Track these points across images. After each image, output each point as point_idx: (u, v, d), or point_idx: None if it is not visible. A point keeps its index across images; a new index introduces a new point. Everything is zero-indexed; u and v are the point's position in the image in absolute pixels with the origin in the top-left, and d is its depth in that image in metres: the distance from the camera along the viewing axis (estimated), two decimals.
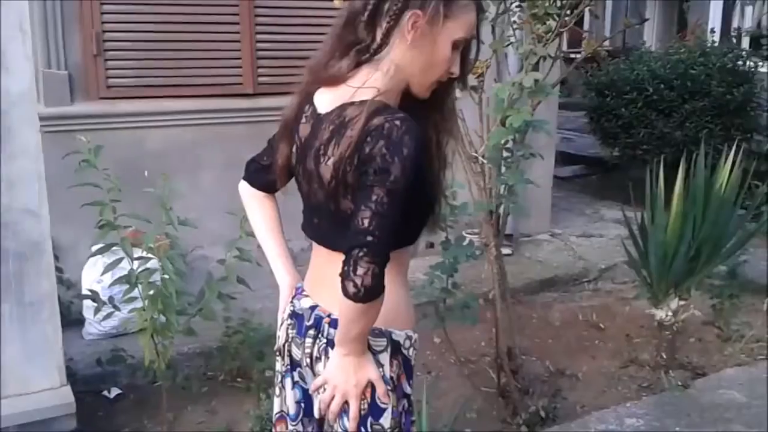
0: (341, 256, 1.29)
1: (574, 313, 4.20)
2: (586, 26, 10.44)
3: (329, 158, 1.37)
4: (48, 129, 3.22)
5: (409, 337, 1.48)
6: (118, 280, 2.72)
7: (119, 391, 3.25)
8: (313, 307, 1.50)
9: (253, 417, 2.84)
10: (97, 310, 2.83)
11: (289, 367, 1.57)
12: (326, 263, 1.44)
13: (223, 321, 3.19)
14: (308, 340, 1.49)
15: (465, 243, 2.84)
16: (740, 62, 5.99)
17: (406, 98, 1.45)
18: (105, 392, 3.23)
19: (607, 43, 10.19)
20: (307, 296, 1.54)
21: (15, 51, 2.37)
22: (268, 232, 1.68)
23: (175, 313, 2.59)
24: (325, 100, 1.44)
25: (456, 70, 1.42)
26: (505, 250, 4.69)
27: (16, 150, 2.41)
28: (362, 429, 1.43)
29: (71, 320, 3.44)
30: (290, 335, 1.56)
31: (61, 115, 3.66)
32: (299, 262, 1.69)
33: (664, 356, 3.46)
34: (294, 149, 1.50)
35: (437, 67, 1.41)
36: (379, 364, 1.44)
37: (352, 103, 1.37)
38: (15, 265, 2.46)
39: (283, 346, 1.58)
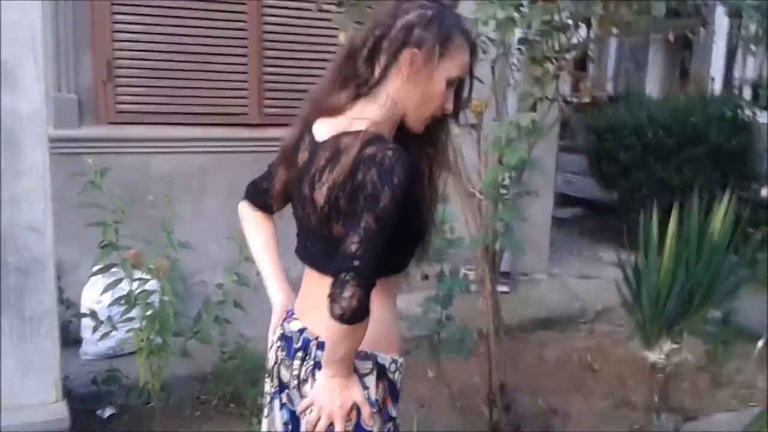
0: (327, 279, 1.34)
1: (569, 353, 4.20)
2: (590, 71, 10.61)
3: (324, 184, 1.43)
4: (56, 151, 3.28)
5: (394, 361, 1.52)
6: (117, 300, 2.77)
7: (113, 411, 3.26)
8: (301, 330, 1.54)
9: None
10: (95, 329, 2.87)
11: (277, 388, 1.60)
12: (316, 286, 1.48)
13: (219, 346, 3.23)
14: (296, 362, 1.53)
15: (460, 276, 2.88)
16: (739, 111, 6.09)
17: (401, 132, 1.51)
18: (99, 411, 3.24)
19: (609, 89, 10.37)
20: (296, 319, 1.58)
21: (26, 71, 2.44)
22: (264, 250, 1.73)
23: (171, 335, 2.62)
24: (323, 130, 1.50)
25: (449, 106, 1.49)
26: (503, 288, 4.73)
27: (24, 168, 2.47)
28: None
29: (69, 340, 3.47)
30: (279, 357, 1.59)
31: (70, 137, 3.74)
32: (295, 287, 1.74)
33: (656, 399, 3.48)
34: (292, 175, 1.55)
35: (432, 102, 1.47)
36: (365, 387, 1.47)
37: (347, 133, 1.43)
38: (16, 280, 2.51)
39: (273, 368, 1.62)
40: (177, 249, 2.62)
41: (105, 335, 2.93)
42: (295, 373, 1.53)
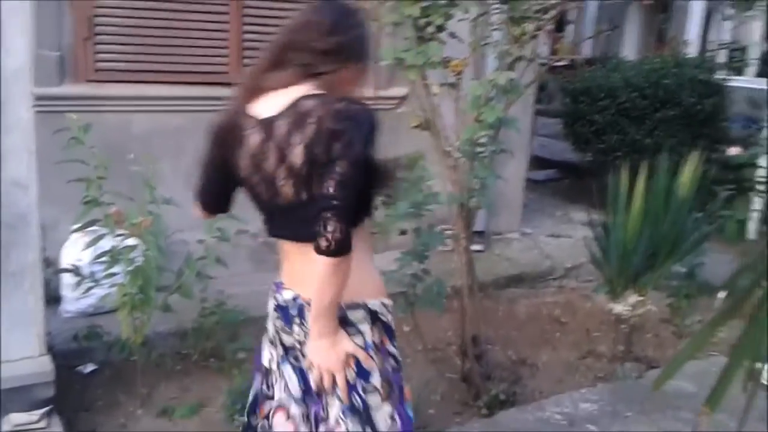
0: (310, 247, 1.45)
1: (538, 308, 4.36)
2: (569, 34, 10.64)
3: (295, 146, 1.51)
4: (36, 109, 3.30)
5: (384, 304, 1.65)
6: (99, 256, 2.83)
7: (94, 367, 3.33)
8: (295, 298, 1.65)
9: (226, 391, 2.95)
10: (78, 285, 2.93)
11: (283, 354, 1.71)
12: (299, 256, 1.59)
13: (200, 302, 3.30)
14: (295, 327, 1.65)
15: (436, 231, 2.98)
16: (712, 74, 6.20)
17: None
18: (80, 367, 3.31)
19: (588, 52, 10.42)
20: (288, 289, 1.68)
21: (13, 28, 2.45)
22: None
23: (154, 289, 2.69)
24: (267, 107, 1.57)
25: None
26: (477, 247, 4.84)
27: (9, 124, 2.49)
28: (354, 393, 1.60)
29: (49, 298, 3.49)
30: (278, 326, 1.71)
31: (50, 95, 3.72)
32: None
33: (621, 349, 3.63)
34: (243, 163, 1.61)
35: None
36: (360, 333, 1.60)
37: (306, 97, 1.54)
38: (1, 235, 2.55)
39: (274, 336, 1.73)
40: (160, 205, 2.67)
41: (87, 291, 2.98)
42: (297, 337, 1.65)
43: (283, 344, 1.70)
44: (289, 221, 1.60)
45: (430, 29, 2.96)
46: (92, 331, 3.15)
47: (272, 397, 1.75)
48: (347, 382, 1.59)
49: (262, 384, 1.79)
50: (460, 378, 3.35)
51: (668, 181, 3.40)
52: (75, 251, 3.45)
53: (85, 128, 2.66)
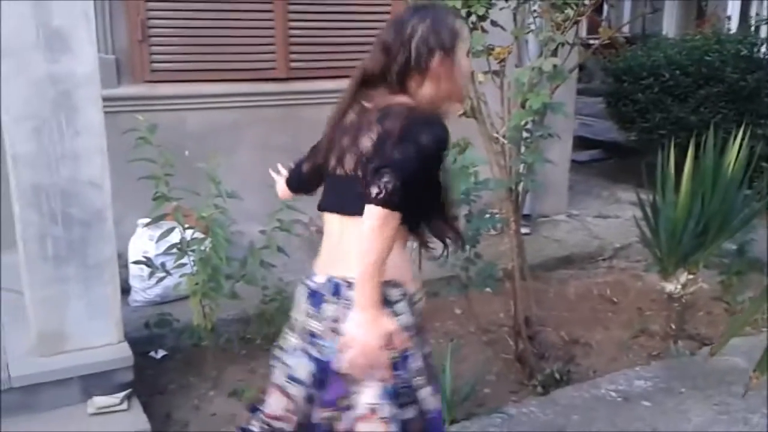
0: (355, 222, 1.55)
1: (589, 289, 4.41)
2: (607, 13, 10.53)
3: (373, 132, 1.62)
4: None
5: (417, 293, 1.75)
6: (169, 248, 2.99)
7: (165, 353, 3.50)
8: (329, 279, 1.69)
9: None
10: (149, 276, 3.09)
11: (300, 341, 1.75)
12: (339, 232, 1.69)
13: (261, 289, 3.45)
14: (330, 306, 1.67)
15: (486, 216, 3.07)
16: (755, 49, 6.12)
17: None
18: (152, 353, 3.48)
19: (626, 30, 10.32)
20: (320, 274, 1.73)
21: (80, 36, 2.61)
22: None
23: (223, 277, 2.84)
24: (372, 100, 1.70)
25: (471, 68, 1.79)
26: (524, 230, 4.89)
27: (81, 127, 2.66)
28: (395, 374, 1.64)
29: None
30: (309, 311, 1.73)
31: (108, 96, 3.86)
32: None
33: (673, 327, 3.67)
34: (332, 133, 1.73)
35: (465, 78, 1.75)
36: (398, 313, 1.65)
37: (399, 103, 1.65)
38: (79, 232, 2.72)
39: (300, 322, 1.77)
40: (225, 198, 2.81)
41: (159, 281, 3.15)
42: (331, 314, 1.66)
43: (308, 331, 1.72)
44: (342, 193, 1.70)
45: (473, 19, 3.04)
46: (163, 319, 3.32)
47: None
48: (389, 362, 1.61)
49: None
50: (514, 358, 3.44)
51: (716, 159, 3.43)
52: (141, 244, 3.64)
53: (152, 128, 2.81)
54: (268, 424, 1.82)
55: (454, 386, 2.97)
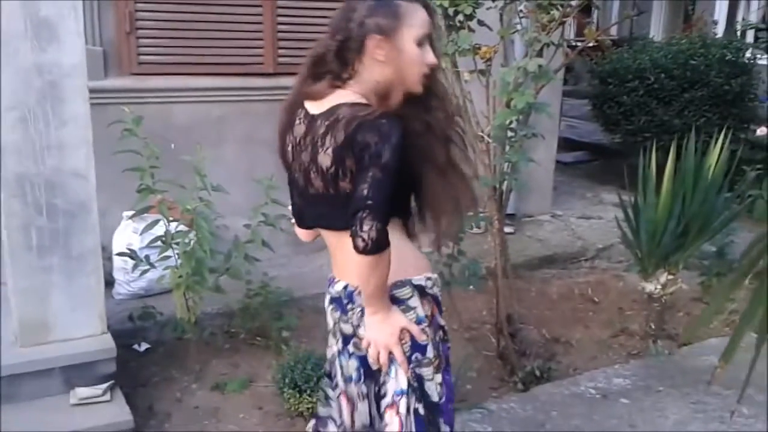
0: (346, 235, 1.54)
1: (571, 288, 4.45)
2: (594, 15, 10.60)
3: (328, 147, 1.62)
4: None
5: (429, 278, 1.74)
6: (153, 241, 2.99)
7: (148, 346, 3.50)
8: (345, 287, 1.76)
9: (274, 366, 3.11)
10: (134, 267, 3.09)
11: (342, 344, 1.81)
12: (338, 246, 1.70)
13: (245, 283, 3.46)
14: (350, 314, 1.75)
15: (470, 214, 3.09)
16: (740, 54, 6.20)
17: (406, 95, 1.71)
18: (135, 346, 3.48)
19: (614, 32, 10.39)
20: (338, 281, 1.79)
21: (68, 27, 2.61)
22: None
23: (207, 270, 2.85)
24: (315, 106, 1.69)
25: (431, 59, 1.69)
26: (508, 229, 4.93)
27: (67, 117, 2.66)
28: (410, 366, 1.69)
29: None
30: (336, 317, 1.81)
31: (96, 88, 3.86)
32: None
33: (653, 327, 3.72)
34: (290, 148, 1.74)
35: (414, 65, 1.67)
36: (410, 308, 1.69)
37: (343, 104, 1.63)
38: (63, 222, 2.72)
39: (334, 327, 1.84)
40: (210, 191, 2.82)
41: (143, 274, 3.15)
42: (353, 322, 1.74)
43: (343, 334, 1.80)
44: (323, 211, 1.71)
45: (460, 18, 3.07)
46: (146, 312, 3.32)
47: (335, 387, 1.86)
48: (405, 356, 1.68)
49: (329, 373, 1.90)
50: (496, 355, 3.48)
51: (697, 161, 3.48)
52: (126, 237, 3.64)
53: (138, 120, 2.81)
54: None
55: None
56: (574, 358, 3.59)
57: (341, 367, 1.82)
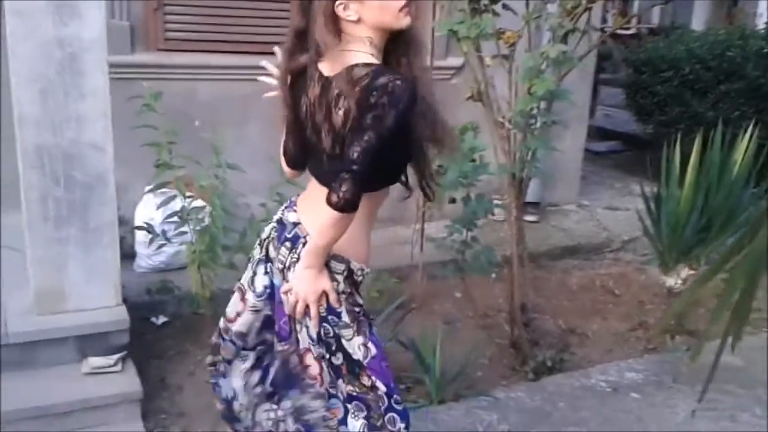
0: (324, 191, 1.64)
1: (592, 279, 4.39)
2: (634, 6, 10.38)
3: (340, 109, 1.67)
4: (110, 76, 3.50)
5: (362, 269, 1.85)
6: (170, 216, 3.02)
7: (166, 319, 3.56)
8: (295, 224, 1.84)
9: None
10: (151, 241, 3.13)
11: (264, 257, 1.93)
12: (317, 192, 1.76)
13: None
14: (283, 250, 1.84)
15: (485, 200, 3.06)
16: None
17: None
18: (153, 319, 3.55)
19: (655, 21, 10.15)
20: (295, 211, 1.87)
21: (89, 1, 2.63)
22: None
23: (220, 247, 2.87)
24: (331, 65, 1.71)
25: None
26: (532, 218, 4.90)
27: (86, 90, 2.68)
28: (324, 324, 1.80)
29: (123, 254, 3.73)
30: (272, 235, 1.91)
31: (122, 63, 3.92)
32: None
33: (671, 322, 3.66)
34: (303, 108, 1.78)
35: (382, 8, 1.68)
36: (335, 280, 1.80)
37: (356, 65, 1.66)
38: (81, 194, 2.76)
39: (264, 240, 1.94)
40: (225, 169, 2.84)
41: (159, 248, 3.19)
42: (282, 258, 1.84)
43: (267, 251, 1.91)
44: (321, 165, 1.79)
45: (484, 1, 3.02)
46: (164, 285, 3.36)
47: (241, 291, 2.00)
48: (319, 314, 1.80)
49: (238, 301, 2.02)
50: (509, 344, 3.45)
51: (723, 154, 3.39)
52: (147, 211, 3.68)
53: (156, 96, 2.83)
54: (227, 330, 2.05)
55: (444, 368, 3.00)
56: (589, 350, 3.55)
57: (254, 273, 1.94)
